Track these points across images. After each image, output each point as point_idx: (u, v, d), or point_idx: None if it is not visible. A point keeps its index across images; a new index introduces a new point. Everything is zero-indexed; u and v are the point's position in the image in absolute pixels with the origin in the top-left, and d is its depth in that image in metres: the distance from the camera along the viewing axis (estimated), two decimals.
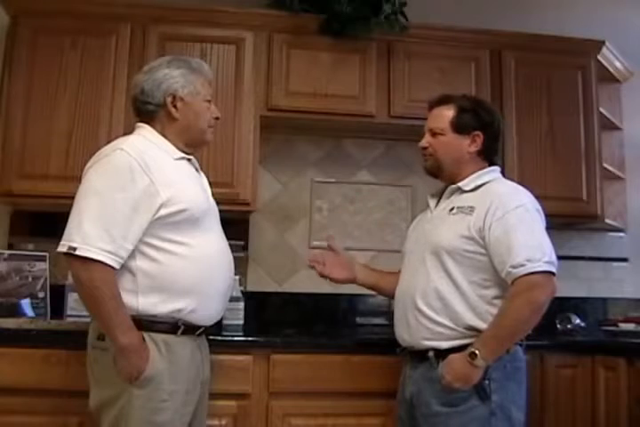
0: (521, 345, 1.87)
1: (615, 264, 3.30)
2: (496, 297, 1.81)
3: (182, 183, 1.78)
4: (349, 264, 2.17)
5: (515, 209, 1.81)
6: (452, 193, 1.97)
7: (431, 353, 1.83)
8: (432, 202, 2.05)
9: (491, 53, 2.92)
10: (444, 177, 2.01)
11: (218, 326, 2.50)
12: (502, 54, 2.92)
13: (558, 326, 2.86)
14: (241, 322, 2.57)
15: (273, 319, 2.89)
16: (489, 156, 2.00)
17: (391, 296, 2.06)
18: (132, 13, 2.64)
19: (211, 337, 2.20)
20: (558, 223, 2.88)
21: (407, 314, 1.90)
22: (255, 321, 2.75)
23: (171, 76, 1.82)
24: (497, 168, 2.00)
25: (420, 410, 1.86)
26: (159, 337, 1.70)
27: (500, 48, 2.92)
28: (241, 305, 2.58)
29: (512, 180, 2.06)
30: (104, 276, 1.63)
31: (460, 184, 1.95)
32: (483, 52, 2.91)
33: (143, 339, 1.67)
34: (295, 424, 2.21)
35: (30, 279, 2.49)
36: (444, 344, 1.81)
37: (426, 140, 1.99)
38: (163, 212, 1.70)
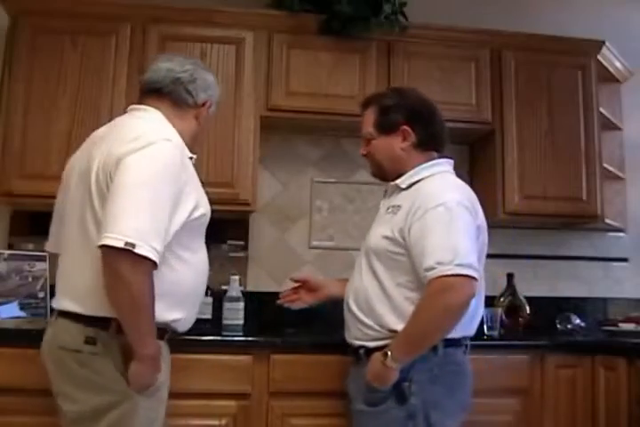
0: (466, 346, 1.82)
1: (615, 264, 3.29)
2: None
3: (200, 186, 1.70)
4: (321, 284, 2.14)
5: (434, 208, 1.70)
6: (393, 191, 1.92)
7: (362, 351, 1.83)
8: (382, 201, 1.99)
9: (491, 53, 2.92)
10: (392, 178, 1.92)
11: (218, 326, 2.50)
12: (502, 54, 2.92)
13: (558, 326, 2.85)
14: (241, 322, 2.57)
15: (273, 319, 2.88)
16: (429, 144, 1.89)
17: None
18: (132, 13, 2.64)
19: (210, 337, 2.22)
20: (558, 223, 2.88)
21: (345, 314, 1.92)
22: (255, 321, 2.74)
23: (215, 86, 1.86)
24: (441, 161, 1.89)
25: (351, 406, 1.88)
26: (161, 344, 1.63)
27: (500, 48, 2.92)
28: (241, 305, 2.58)
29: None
30: (151, 279, 1.48)
31: (397, 182, 1.87)
32: (483, 52, 2.91)
33: None
34: (295, 424, 2.21)
35: (30, 279, 2.49)
36: (371, 344, 1.80)
37: (363, 148, 1.97)
38: (192, 215, 1.61)
